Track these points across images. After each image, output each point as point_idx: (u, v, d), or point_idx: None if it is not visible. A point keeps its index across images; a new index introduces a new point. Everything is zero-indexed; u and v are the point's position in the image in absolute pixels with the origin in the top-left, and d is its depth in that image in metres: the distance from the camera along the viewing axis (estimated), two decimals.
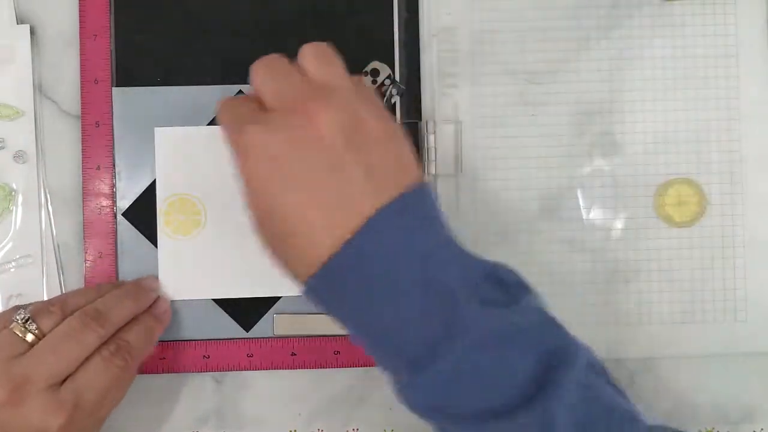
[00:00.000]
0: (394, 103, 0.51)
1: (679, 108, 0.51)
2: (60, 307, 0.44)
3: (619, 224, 0.51)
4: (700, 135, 0.52)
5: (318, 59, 0.40)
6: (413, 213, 0.37)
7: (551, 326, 0.38)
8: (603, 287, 0.51)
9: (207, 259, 0.50)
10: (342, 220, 0.36)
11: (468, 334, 0.36)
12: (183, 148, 0.50)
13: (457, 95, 0.51)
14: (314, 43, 0.41)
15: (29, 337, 0.42)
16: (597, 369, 0.38)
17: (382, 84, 0.50)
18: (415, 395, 0.37)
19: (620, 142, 0.51)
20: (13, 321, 0.42)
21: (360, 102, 0.39)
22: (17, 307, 0.44)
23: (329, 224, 0.37)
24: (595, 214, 0.51)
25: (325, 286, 0.37)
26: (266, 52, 0.50)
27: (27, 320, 0.42)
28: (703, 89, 0.52)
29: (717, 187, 0.52)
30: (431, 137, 0.50)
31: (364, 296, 0.37)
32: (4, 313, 0.44)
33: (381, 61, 0.51)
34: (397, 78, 0.51)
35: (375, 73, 0.50)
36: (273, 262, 0.40)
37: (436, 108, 0.51)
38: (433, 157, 0.50)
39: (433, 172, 0.51)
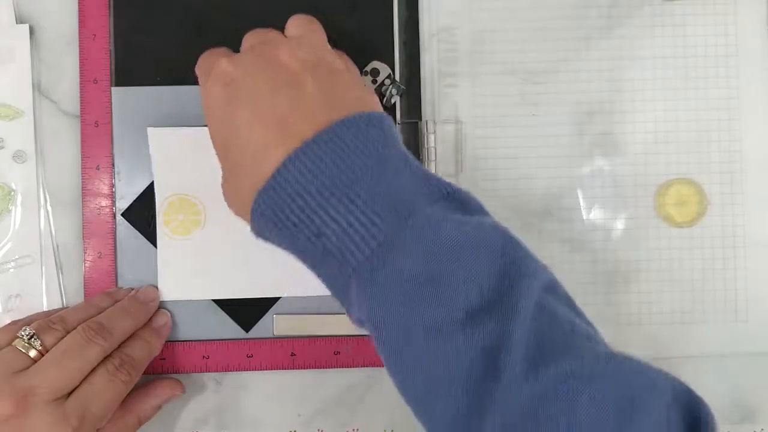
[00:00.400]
0: (394, 103, 0.51)
1: (679, 108, 0.52)
2: (61, 323, 0.44)
3: (619, 224, 0.51)
4: (700, 135, 0.52)
5: (299, 21, 0.43)
6: (375, 127, 0.37)
7: (513, 241, 0.36)
8: (603, 287, 0.51)
9: (207, 259, 0.50)
10: (294, 132, 0.37)
11: (419, 241, 0.35)
12: (178, 148, 0.50)
13: (457, 95, 0.51)
14: (301, 14, 0.44)
15: (32, 353, 0.42)
16: (557, 290, 0.37)
17: (382, 84, 0.50)
18: (365, 306, 0.35)
19: (620, 142, 0.51)
20: (17, 337, 0.43)
21: (329, 50, 0.41)
22: (18, 324, 0.44)
23: (279, 137, 0.37)
24: (596, 214, 0.51)
25: (276, 194, 0.36)
26: None
27: (31, 336, 0.42)
28: (703, 89, 0.52)
29: (717, 187, 0.52)
30: (431, 137, 0.50)
31: (318, 200, 0.36)
32: (4, 329, 0.45)
33: (381, 61, 0.51)
34: (397, 78, 0.51)
35: (375, 73, 0.50)
36: (231, 204, 0.41)
37: (436, 108, 0.51)
38: (433, 157, 0.50)
39: (434, 171, 0.50)
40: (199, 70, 0.43)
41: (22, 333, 0.43)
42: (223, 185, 0.42)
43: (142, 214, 0.50)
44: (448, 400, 0.34)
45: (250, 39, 0.43)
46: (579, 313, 0.37)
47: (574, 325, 0.35)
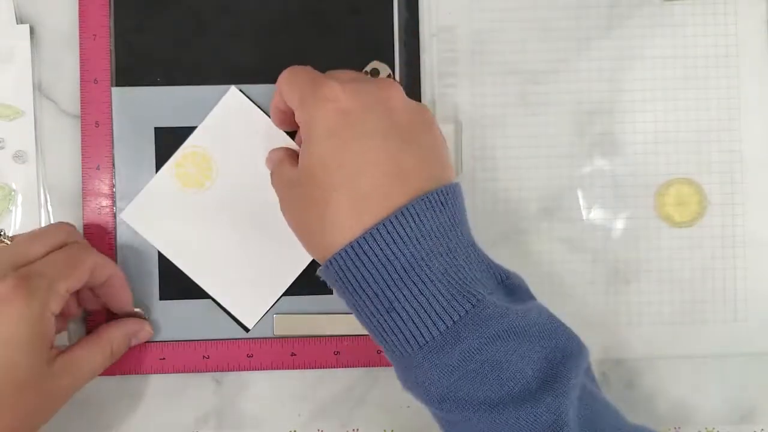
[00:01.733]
0: None
1: (679, 108, 0.52)
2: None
3: (619, 224, 0.51)
4: (700, 135, 0.52)
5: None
6: (450, 207, 0.40)
7: (558, 325, 0.40)
8: (603, 287, 0.51)
9: (187, 219, 0.50)
10: (394, 189, 0.39)
11: (487, 326, 0.37)
12: (242, 123, 0.50)
13: (457, 95, 0.51)
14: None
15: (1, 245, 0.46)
16: (590, 367, 0.41)
17: None
18: (428, 380, 0.38)
19: (620, 142, 0.51)
20: None
21: (422, 106, 0.43)
22: None
23: (382, 191, 0.39)
24: (596, 214, 0.51)
25: (348, 264, 0.39)
26: (266, 52, 0.51)
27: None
28: (703, 89, 0.52)
29: (717, 187, 0.52)
30: None
31: (389, 274, 0.38)
32: None
33: (381, 61, 0.51)
34: (397, 78, 0.51)
35: (375, 73, 0.50)
36: (298, 227, 0.42)
37: (436, 108, 0.51)
38: None
39: None
40: (293, 85, 0.43)
41: None
42: (291, 206, 0.43)
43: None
44: None
45: (344, 74, 0.43)
46: (599, 386, 0.42)
47: (607, 402, 0.40)
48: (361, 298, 0.39)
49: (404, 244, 0.38)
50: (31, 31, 0.50)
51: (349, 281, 0.39)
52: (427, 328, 0.38)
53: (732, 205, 0.52)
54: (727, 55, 0.52)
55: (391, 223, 0.38)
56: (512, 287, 0.41)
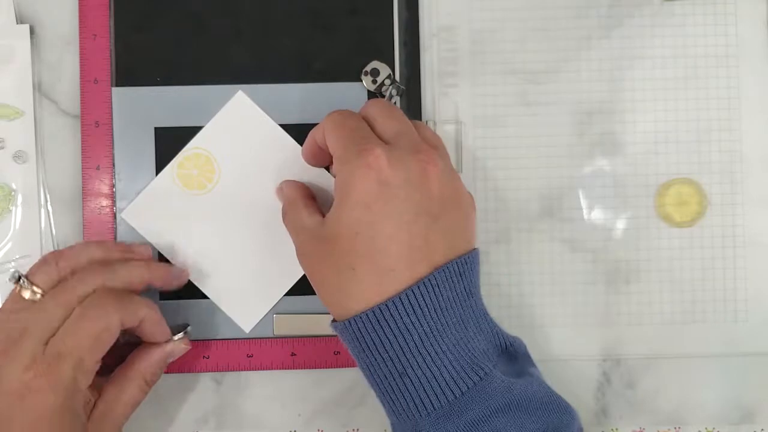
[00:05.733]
0: (394, 103, 0.51)
1: (679, 108, 0.52)
2: (54, 260, 0.45)
3: (619, 224, 0.51)
4: (700, 135, 0.52)
5: (417, 125, 0.45)
6: (464, 278, 0.41)
7: (556, 398, 0.42)
8: (603, 287, 0.51)
9: (186, 220, 0.50)
10: (419, 263, 0.40)
11: (490, 399, 0.39)
12: (248, 127, 0.50)
13: (457, 95, 0.51)
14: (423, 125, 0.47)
15: (26, 294, 0.43)
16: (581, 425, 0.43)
17: (382, 84, 0.50)
18: None
19: (620, 142, 0.51)
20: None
21: (453, 170, 0.44)
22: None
23: (407, 263, 0.40)
24: (596, 214, 0.51)
25: (368, 328, 0.40)
26: (266, 52, 0.51)
27: (19, 278, 0.44)
28: (703, 89, 0.52)
29: (717, 187, 0.52)
30: None
31: (407, 342, 0.40)
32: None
33: (381, 61, 0.51)
34: (397, 78, 0.51)
35: (375, 73, 0.50)
36: (317, 282, 0.43)
37: (436, 108, 0.51)
38: None
39: None
40: (340, 142, 0.43)
41: (12, 275, 0.44)
42: (311, 260, 0.43)
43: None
44: None
45: (389, 121, 0.43)
46: None
47: None
48: (375, 360, 0.41)
49: (423, 315, 0.40)
50: (31, 31, 0.50)
51: (366, 344, 0.40)
52: (437, 396, 0.40)
53: (732, 205, 0.52)
54: (727, 55, 0.52)
55: (413, 293, 0.40)
56: (515, 354, 0.43)
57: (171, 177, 0.50)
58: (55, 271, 0.44)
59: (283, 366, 0.50)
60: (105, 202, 0.50)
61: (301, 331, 0.50)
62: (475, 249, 0.43)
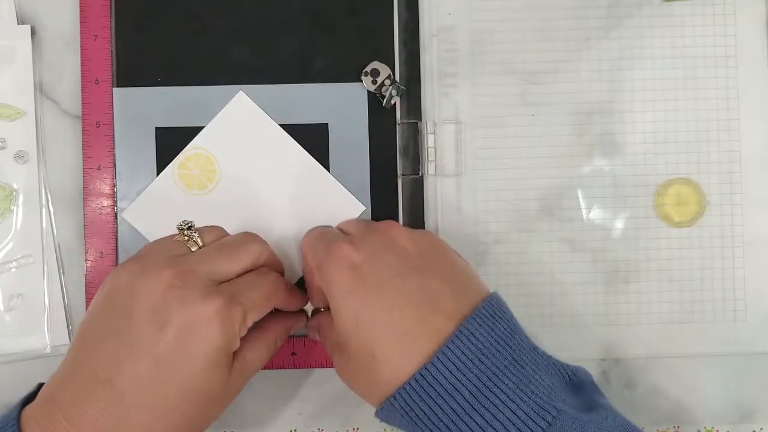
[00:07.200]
0: (394, 103, 0.51)
1: (679, 108, 0.52)
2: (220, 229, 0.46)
3: (619, 224, 0.51)
4: (700, 135, 0.52)
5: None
6: (500, 318, 0.40)
7: (632, 429, 0.39)
8: (603, 287, 0.51)
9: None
10: (433, 317, 0.39)
11: None
12: (249, 128, 0.50)
13: (457, 95, 0.51)
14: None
15: (193, 247, 0.43)
16: None
17: (382, 84, 0.50)
18: None
19: (620, 142, 0.51)
20: (178, 230, 0.44)
21: (425, 231, 0.44)
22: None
23: (422, 326, 0.39)
24: (595, 214, 0.51)
25: (414, 398, 0.38)
26: (266, 52, 0.51)
27: (189, 227, 0.44)
28: (703, 89, 0.52)
29: (717, 187, 0.52)
30: (431, 137, 0.51)
31: (458, 402, 0.37)
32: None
33: (381, 61, 0.51)
34: (397, 78, 0.51)
35: (375, 73, 0.50)
36: (356, 387, 0.42)
37: (436, 108, 0.51)
38: (433, 157, 0.50)
39: (433, 172, 0.51)
40: (311, 253, 0.45)
41: (181, 224, 0.44)
42: (342, 368, 0.43)
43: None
44: None
45: (353, 224, 0.46)
46: None
47: None
48: (430, 430, 0.38)
49: (467, 367, 0.38)
50: (33, 31, 0.50)
51: (417, 416, 0.38)
52: None
53: (731, 205, 0.52)
54: (726, 55, 0.52)
55: (449, 348, 0.38)
56: (580, 384, 0.40)
57: (172, 177, 0.50)
58: (221, 236, 0.45)
59: (283, 366, 0.50)
60: (106, 202, 0.50)
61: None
62: (494, 292, 0.42)
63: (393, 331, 0.39)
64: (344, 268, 0.41)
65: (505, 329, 0.39)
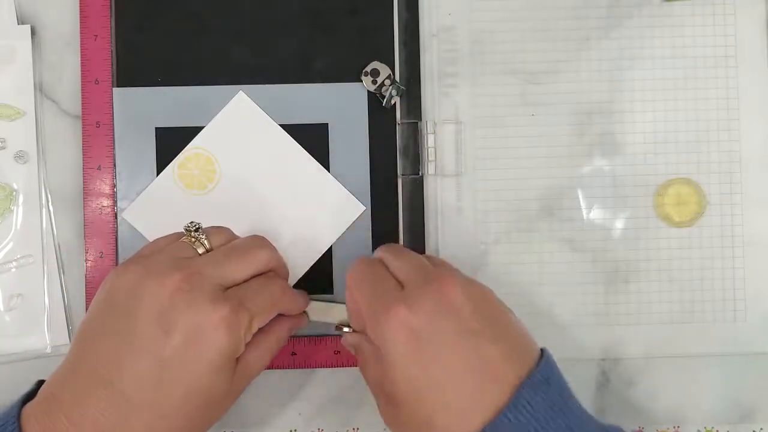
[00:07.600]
0: (394, 103, 0.51)
1: (679, 108, 0.52)
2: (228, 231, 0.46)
3: (619, 224, 0.51)
4: (700, 135, 0.52)
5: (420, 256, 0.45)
6: (555, 383, 0.39)
7: None
8: (603, 287, 0.51)
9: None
10: (488, 388, 0.38)
11: None
12: (250, 127, 0.50)
13: (457, 95, 0.51)
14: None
15: (200, 249, 0.43)
16: None
17: (382, 84, 0.50)
18: None
19: (620, 142, 0.51)
20: (185, 233, 0.44)
21: (469, 278, 0.42)
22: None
23: (476, 393, 0.38)
24: (595, 214, 0.51)
25: None
26: (266, 52, 0.51)
27: (197, 229, 0.44)
28: (703, 89, 0.52)
29: (717, 187, 0.52)
30: (431, 137, 0.51)
31: None
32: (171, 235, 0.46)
33: (381, 61, 0.51)
34: (397, 78, 0.51)
35: (375, 73, 0.50)
36: None
37: (436, 108, 0.51)
38: (433, 157, 0.50)
39: (433, 172, 0.51)
40: (360, 293, 0.43)
41: (189, 226, 0.44)
42: (391, 419, 0.42)
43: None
44: None
45: (402, 265, 0.43)
46: None
47: None
48: None
49: None
50: (33, 31, 0.50)
51: None
52: None
53: (731, 205, 0.52)
54: (726, 55, 0.52)
55: (507, 418, 0.37)
56: None
57: (172, 177, 0.50)
58: (229, 239, 0.45)
59: (283, 366, 0.50)
60: (106, 202, 0.50)
61: (302, 330, 0.50)
62: (543, 348, 0.41)
63: (452, 401, 0.38)
64: (402, 331, 0.39)
65: (559, 395, 0.39)
